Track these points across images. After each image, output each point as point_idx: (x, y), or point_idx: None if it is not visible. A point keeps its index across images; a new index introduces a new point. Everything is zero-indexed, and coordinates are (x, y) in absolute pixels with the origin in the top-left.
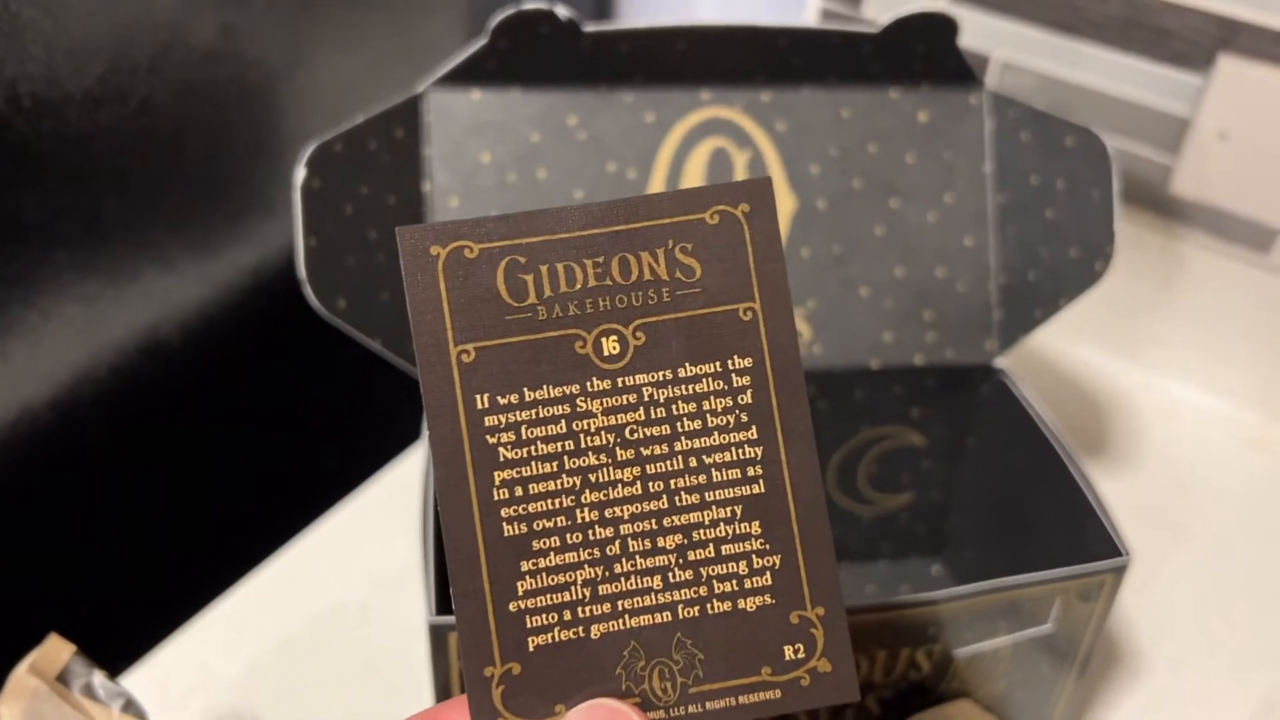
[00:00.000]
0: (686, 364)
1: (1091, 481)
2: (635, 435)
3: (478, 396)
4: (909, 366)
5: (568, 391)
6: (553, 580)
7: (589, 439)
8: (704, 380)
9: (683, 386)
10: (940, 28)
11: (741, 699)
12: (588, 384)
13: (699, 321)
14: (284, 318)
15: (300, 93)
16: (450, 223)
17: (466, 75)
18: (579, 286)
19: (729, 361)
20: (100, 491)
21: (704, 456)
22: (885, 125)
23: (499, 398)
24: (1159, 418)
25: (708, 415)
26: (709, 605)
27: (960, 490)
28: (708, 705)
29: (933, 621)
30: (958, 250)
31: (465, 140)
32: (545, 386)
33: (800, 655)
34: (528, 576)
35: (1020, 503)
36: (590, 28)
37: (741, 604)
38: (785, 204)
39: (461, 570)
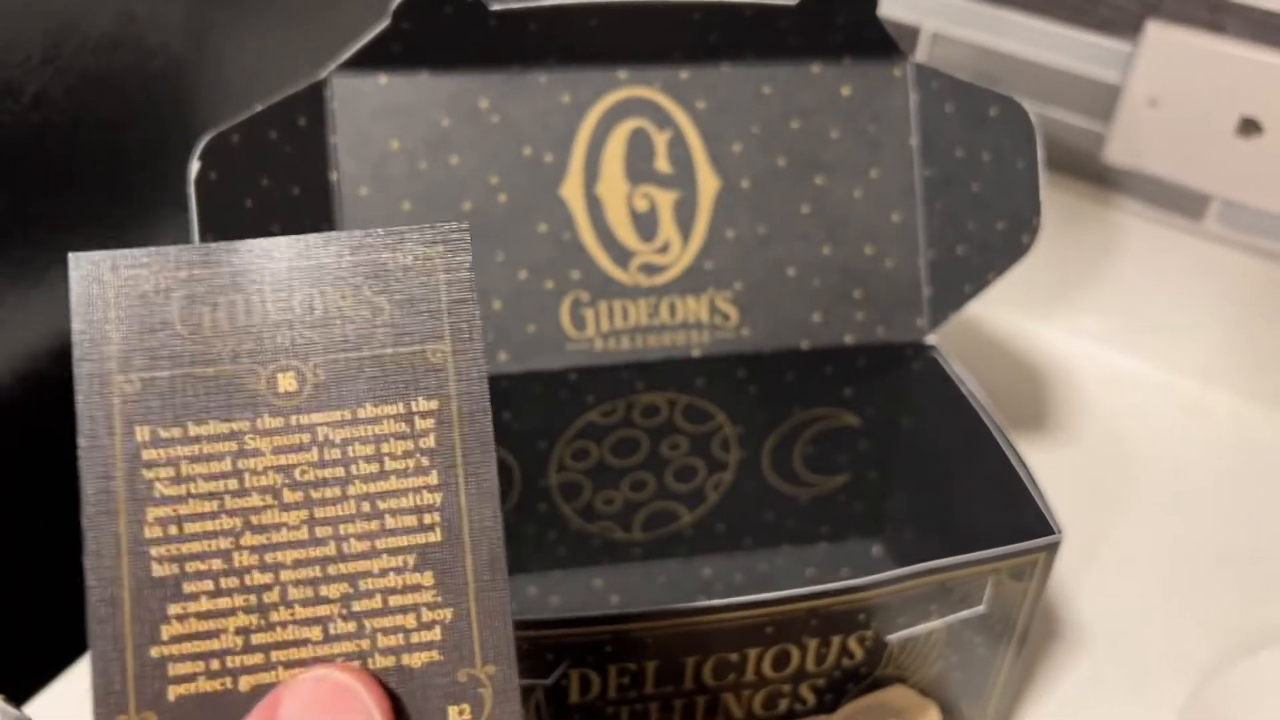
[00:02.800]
0: (368, 404)
1: (1023, 457)
2: (306, 477)
3: (138, 429)
4: (840, 346)
5: (235, 429)
6: (203, 627)
7: (255, 479)
8: (385, 421)
9: (362, 428)
10: None
11: None
12: (259, 421)
13: (384, 361)
14: None
15: (207, 82)
16: (130, 251)
17: (371, 59)
18: (258, 320)
19: (413, 403)
20: (4, 504)
21: (379, 501)
22: (807, 101)
23: (161, 431)
24: (1096, 387)
25: (386, 458)
26: (370, 660)
27: (897, 469)
28: None
29: (863, 608)
30: (885, 226)
31: (373, 126)
32: (212, 422)
33: (465, 717)
34: (175, 620)
35: (956, 480)
36: (496, 6)
37: (406, 660)
38: (708, 184)
39: (101, 608)
